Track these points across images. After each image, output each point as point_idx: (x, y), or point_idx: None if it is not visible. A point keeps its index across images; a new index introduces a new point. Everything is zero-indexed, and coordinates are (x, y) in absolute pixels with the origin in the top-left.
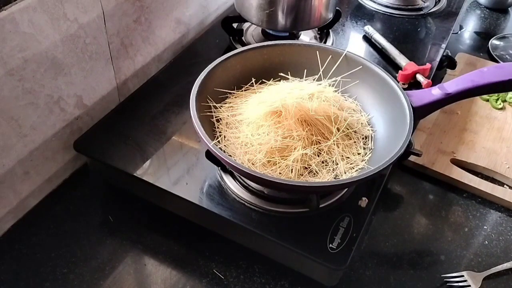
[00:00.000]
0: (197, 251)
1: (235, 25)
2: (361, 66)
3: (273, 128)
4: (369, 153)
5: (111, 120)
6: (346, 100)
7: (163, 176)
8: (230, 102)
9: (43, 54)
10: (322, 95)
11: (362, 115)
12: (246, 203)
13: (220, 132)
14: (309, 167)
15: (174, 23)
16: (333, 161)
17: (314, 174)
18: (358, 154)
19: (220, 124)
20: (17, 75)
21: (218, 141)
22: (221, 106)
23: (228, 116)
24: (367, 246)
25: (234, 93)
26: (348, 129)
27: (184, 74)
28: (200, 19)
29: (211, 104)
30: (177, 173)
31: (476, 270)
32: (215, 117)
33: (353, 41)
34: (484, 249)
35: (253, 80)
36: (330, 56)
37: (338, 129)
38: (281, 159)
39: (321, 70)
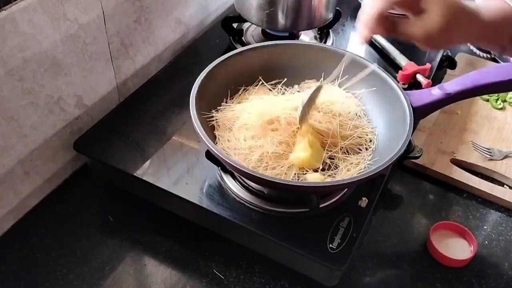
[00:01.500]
0: (197, 251)
1: (235, 25)
2: (361, 67)
3: (270, 134)
4: (369, 153)
5: (111, 120)
6: (350, 110)
7: (163, 176)
8: (231, 103)
9: (43, 54)
10: (327, 108)
11: (363, 121)
12: (246, 203)
13: (219, 132)
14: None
15: (174, 23)
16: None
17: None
18: (358, 154)
19: (220, 124)
20: (17, 75)
21: (218, 141)
22: (221, 107)
23: (227, 118)
24: (367, 246)
25: (239, 88)
26: (352, 145)
27: (184, 74)
28: (200, 19)
29: (211, 107)
30: (177, 173)
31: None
32: (215, 118)
33: (353, 41)
34: (484, 249)
35: (259, 79)
36: (330, 56)
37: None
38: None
39: (321, 74)
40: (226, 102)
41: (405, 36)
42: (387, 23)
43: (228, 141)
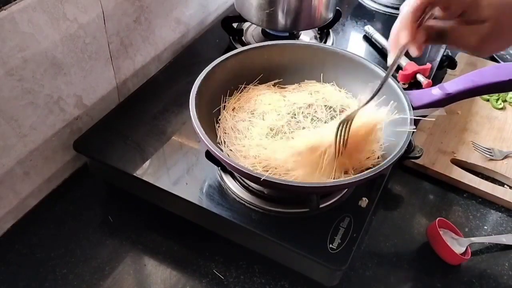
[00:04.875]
0: (197, 251)
1: (235, 25)
2: (361, 66)
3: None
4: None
5: (111, 120)
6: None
7: (163, 176)
8: (234, 101)
9: (43, 54)
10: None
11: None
12: (246, 203)
13: (219, 132)
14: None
15: (174, 23)
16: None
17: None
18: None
19: (220, 123)
20: (17, 75)
21: (218, 142)
22: (221, 105)
23: (229, 116)
24: (367, 246)
25: (240, 86)
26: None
27: (184, 74)
28: (200, 19)
29: (211, 107)
30: (177, 173)
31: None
32: (215, 117)
33: (353, 41)
34: (485, 249)
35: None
36: (331, 56)
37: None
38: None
39: (320, 75)
40: (227, 101)
41: (457, 46)
42: (431, 30)
43: (234, 138)
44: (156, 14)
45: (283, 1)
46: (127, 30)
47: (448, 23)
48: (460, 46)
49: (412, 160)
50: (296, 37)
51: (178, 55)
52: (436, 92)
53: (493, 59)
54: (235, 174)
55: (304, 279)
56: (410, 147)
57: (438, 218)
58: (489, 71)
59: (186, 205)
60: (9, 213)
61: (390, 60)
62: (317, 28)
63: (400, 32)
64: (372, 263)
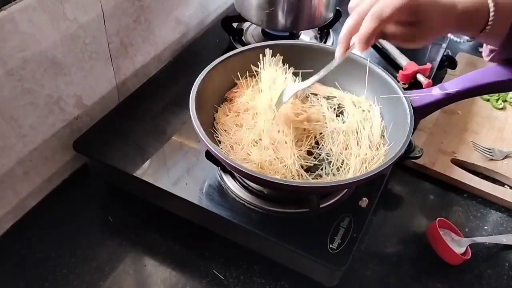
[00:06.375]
0: (197, 251)
1: (235, 24)
2: (362, 67)
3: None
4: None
5: (110, 120)
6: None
7: (163, 176)
8: (230, 101)
9: (43, 54)
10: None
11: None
12: (246, 203)
13: (219, 132)
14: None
15: (174, 23)
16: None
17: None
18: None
19: (219, 124)
20: (17, 75)
21: (218, 142)
22: (220, 106)
23: (226, 116)
24: (368, 246)
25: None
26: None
27: (184, 74)
28: (200, 19)
29: (211, 106)
30: (177, 173)
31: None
32: (215, 117)
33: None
34: (485, 249)
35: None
36: (331, 56)
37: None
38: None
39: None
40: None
41: (396, 40)
42: (380, 33)
43: (234, 137)
44: (156, 14)
45: (283, 1)
46: (127, 30)
47: (391, 27)
48: (398, 40)
49: (412, 160)
50: (296, 37)
51: (178, 55)
52: (436, 92)
53: None
54: (235, 174)
55: (304, 279)
56: (410, 147)
57: (438, 218)
58: (489, 71)
59: (186, 205)
60: (9, 213)
61: (337, 54)
62: (317, 28)
63: (358, 45)
64: (372, 263)
